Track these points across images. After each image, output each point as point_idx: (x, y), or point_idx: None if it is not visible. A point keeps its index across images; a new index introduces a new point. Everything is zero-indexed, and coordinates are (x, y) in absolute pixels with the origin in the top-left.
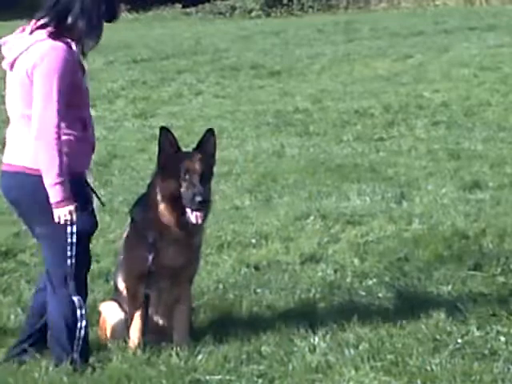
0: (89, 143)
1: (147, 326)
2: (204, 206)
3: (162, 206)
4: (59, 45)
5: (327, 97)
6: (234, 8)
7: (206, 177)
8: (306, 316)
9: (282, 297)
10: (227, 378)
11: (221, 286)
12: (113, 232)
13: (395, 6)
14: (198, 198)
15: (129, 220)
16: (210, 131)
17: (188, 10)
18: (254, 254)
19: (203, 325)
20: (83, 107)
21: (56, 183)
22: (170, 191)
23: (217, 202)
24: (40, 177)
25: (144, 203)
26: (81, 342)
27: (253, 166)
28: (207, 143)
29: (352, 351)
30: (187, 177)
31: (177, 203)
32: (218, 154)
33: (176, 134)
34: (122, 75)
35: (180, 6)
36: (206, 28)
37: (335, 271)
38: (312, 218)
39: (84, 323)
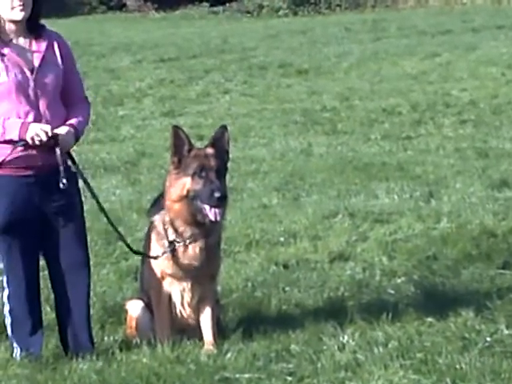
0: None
1: (173, 324)
2: (222, 201)
3: (178, 205)
4: None
5: (355, 95)
6: (261, 7)
7: (221, 173)
8: (335, 314)
9: (310, 295)
10: (256, 376)
11: (249, 285)
12: (140, 230)
13: (423, 4)
14: (217, 194)
15: (148, 220)
16: (223, 127)
17: (215, 8)
18: (283, 253)
19: (232, 323)
20: (5, 102)
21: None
22: (187, 189)
23: (245, 201)
24: None
25: (160, 203)
26: None
27: (280, 164)
28: (221, 139)
29: (381, 349)
30: (203, 174)
31: (193, 201)
32: (245, 153)
33: (204, 133)
34: (149, 74)
35: (207, 4)
36: (233, 27)
37: (364, 269)
38: (340, 216)
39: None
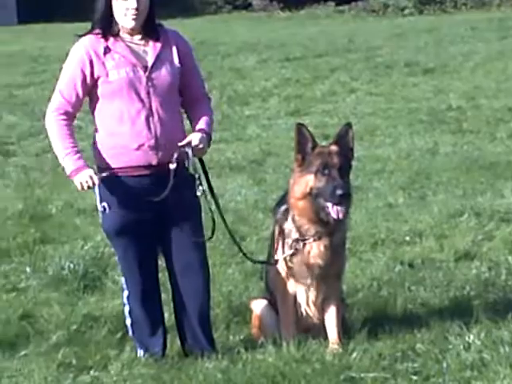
0: (128, 138)
1: (298, 323)
2: (345, 199)
3: (301, 203)
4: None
5: (481, 94)
6: (386, 5)
7: (344, 170)
8: (461, 313)
9: (436, 294)
10: (381, 375)
11: (375, 284)
12: (266, 230)
13: None
14: (339, 192)
15: (273, 219)
16: (348, 125)
17: (341, 7)
18: (408, 252)
19: (357, 322)
20: (117, 100)
21: (60, 159)
22: (310, 187)
23: (370, 200)
24: None
25: (284, 201)
26: None
27: (406, 163)
28: (345, 137)
29: (507, 349)
30: (326, 171)
31: (316, 199)
32: (371, 152)
33: (329, 132)
34: (275, 73)
35: (333, 4)
36: (358, 26)
37: (489, 269)
38: (466, 215)
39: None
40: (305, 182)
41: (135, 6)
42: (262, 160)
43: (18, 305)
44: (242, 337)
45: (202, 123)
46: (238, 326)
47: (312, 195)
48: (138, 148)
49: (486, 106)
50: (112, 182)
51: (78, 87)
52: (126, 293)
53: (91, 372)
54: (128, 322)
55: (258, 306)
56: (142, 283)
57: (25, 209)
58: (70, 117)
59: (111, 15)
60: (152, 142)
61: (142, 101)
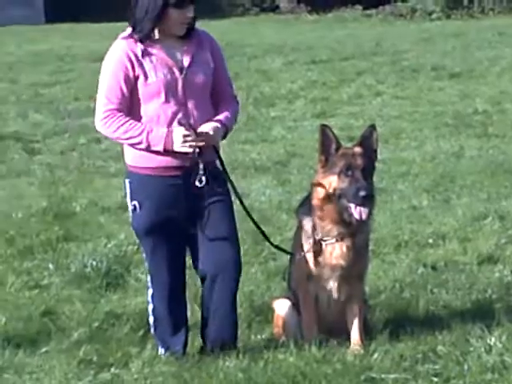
0: None
1: (320, 323)
2: (368, 200)
3: (324, 204)
4: (118, 41)
5: (507, 99)
6: (414, 10)
7: (368, 172)
8: (482, 316)
9: (458, 297)
10: (402, 376)
11: (397, 285)
12: (289, 230)
13: None
14: (362, 193)
15: (297, 219)
16: (372, 127)
17: (368, 11)
18: (431, 254)
19: (379, 323)
20: (154, 101)
21: (144, 142)
22: (333, 187)
23: (395, 202)
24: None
25: (308, 202)
26: None
27: (431, 166)
28: (369, 138)
29: None
30: (349, 172)
31: (339, 200)
32: (396, 155)
33: (355, 134)
34: (301, 76)
35: (361, 7)
36: (386, 29)
37: None
38: (490, 218)
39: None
40: (328, 183)
41: (192, 14)
42: (287, 161)
43: (40, 302)
44: (263, 336)
45: (220, 116)
46: (260, 325)
47: (335, 196)
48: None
49: None
50: (144, 181)
51: (123, 88)
52: (150, 291)
53: (112, 369)
54: (151, 320)
55: (281, 306)
56: (169, 283)
57: (49, 206)
58: (121, 112)
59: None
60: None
61: (178, 102)
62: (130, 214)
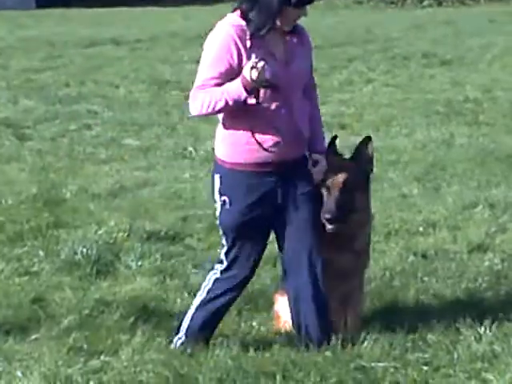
0: (266, 135)
1: None
2: (331, 222)
3: None
4: (226, 25)
5: (497, 87)
6: None
7: (349, 189)
8: (473, 305)
9: (448, 285)
10: (392, 365)
11: (387, 274)
12: None
13: None
14: (326, 215)
15: None
16: (368, 139)
17: None
18: (422, 242)
19: (369, 312)
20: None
21: (229, 99)
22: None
23: (385, 190)
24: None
25: None
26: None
27: (422, 154)
28: (361, 152)
29: None
30: (329, 187)
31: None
32: (386, 143)
33: (346, 122)
34: None
35: None
36: (377, 17)
37: (502, 261)
38: (480, 207)
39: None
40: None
41: (306, 13)
42: None
43: (30, 288)
44: (253, 324)
45: (321, 142)
46: (250, 313)
47: None
48: (275, 145)
49: (503, 98)
50: (236, 176)
51: (222, 76)
52: (216, 275)
53: (102, 357)
54: (190, 312)
55: (283, 305)
56: (240, 278)
57: (39, 193)
58: None
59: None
60: (289, 138)
61: (281, 96)
62: (218, 208)
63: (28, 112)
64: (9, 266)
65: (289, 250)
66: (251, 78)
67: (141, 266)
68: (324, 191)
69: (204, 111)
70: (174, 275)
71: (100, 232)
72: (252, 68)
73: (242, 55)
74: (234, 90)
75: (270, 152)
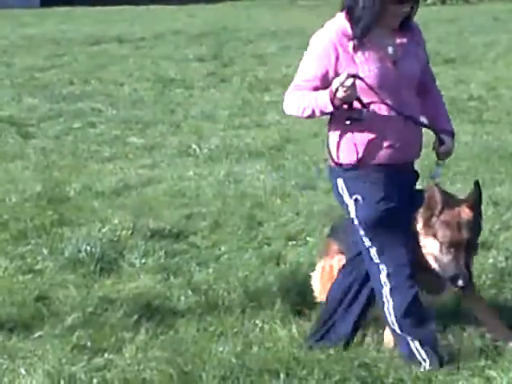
0: (377, 136)
1: None
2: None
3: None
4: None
5: (502, 84)
6: None
7: (472, 244)
8: None
9: None
10: (396, 362)
11: None
12: (284, 216)
13: None
14: (460, 283)
15: None
16: (477, 184)
17: None
18: None
19: (372, 308)
20: (367, 96)
21: (316, 108)
22: (431, 253)
23: None
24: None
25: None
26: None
27: (425, 151)
28: (477, 198)
29: None
30: (452, 249)
31: (437, 266)
32: None
33: None
34: (296, 60)
35: None
36: None
37: (506, 258)
38: (484, 204)
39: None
40: (428, 245)
41: (409, 9)
42: (281, 146)
43: (33, 286)
44: (257, 321)
45: (445, 121)
46: (253, 311)
47: (432, 259)
48: (389, 146)
49: (507, 96)
50: (357, 175)
51: (317, 80)
52: (386, 289)
53: (105, 355)
54: (392, 319)
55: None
56: (407, 265)
57: (43, 191)
58: None
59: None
60: (402, 140)
61: (392, 97)
62: (353, 208)
63: (32, 110)
64: (13, 263)
65: None
66: (337, 96)
67: (145, 263)
68: (447, 255)
69: (294, 114)
70: (178, 273)
71: (104, 230)
72: (340, 85)
73: (340, 61)
74: (322, 100)
75: (380, 154)
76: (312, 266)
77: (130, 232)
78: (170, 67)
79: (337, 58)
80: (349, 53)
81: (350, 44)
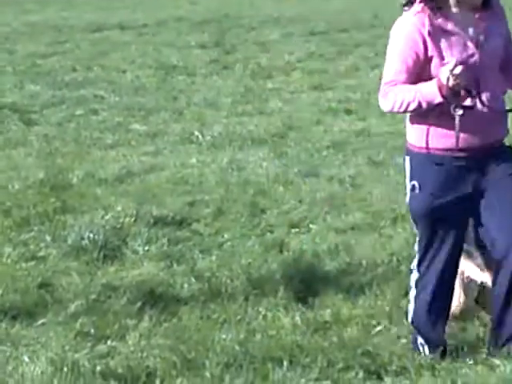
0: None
1: None
2: None
3: None
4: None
5: None
6: None
7: None
8: None
9: None
10: (399, 351)
11: (394, 259)
12: (287, 203)
13: None
14: None
15: None
16: None
17: None
18: None
19: (376, 297)
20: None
21: (422, 101)
22: None
23: (391, 176)
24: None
25: None
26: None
27: None
28: None
29: None
30: None
31: None
32: (394, 128)
33: (352, 108)
34: (299, 47)
35: None
36: (384, 1)
37: None
38: None
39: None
40: None
41: None
42: (284, 134)
43: (36, 273)
44: (260, 309)
45: None
46: (257, 298)
47: None
48: (461, 131)
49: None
50: (427, 161)
51: (409, 69)
52: (415, 275)
53: (109, 342)
54: (411, 307)
55: None
56: (442, 270)
57: (46, 178)
58: None
59: None
60: (483, 123)
61: (474, 82)
62: (408, 193)
63: (34, 97)
64: (16, 250)
65: (493, 232)
66: (447, 85)
67: (148, 250)
68: None
69: (396, 110)
70: (181, 260)
71: (107, 217)
72: (450, 73)
73: (428, 45)
74: (429, 92)
75: (457, 139)
76: (315, 254)
77: (133, 219)
78: (172, 54)
79: (424, 43)
80: (433, 37)
81: (432, 28)
